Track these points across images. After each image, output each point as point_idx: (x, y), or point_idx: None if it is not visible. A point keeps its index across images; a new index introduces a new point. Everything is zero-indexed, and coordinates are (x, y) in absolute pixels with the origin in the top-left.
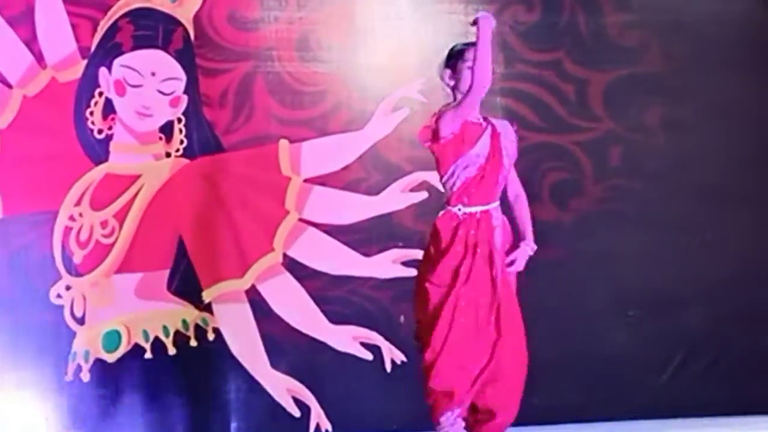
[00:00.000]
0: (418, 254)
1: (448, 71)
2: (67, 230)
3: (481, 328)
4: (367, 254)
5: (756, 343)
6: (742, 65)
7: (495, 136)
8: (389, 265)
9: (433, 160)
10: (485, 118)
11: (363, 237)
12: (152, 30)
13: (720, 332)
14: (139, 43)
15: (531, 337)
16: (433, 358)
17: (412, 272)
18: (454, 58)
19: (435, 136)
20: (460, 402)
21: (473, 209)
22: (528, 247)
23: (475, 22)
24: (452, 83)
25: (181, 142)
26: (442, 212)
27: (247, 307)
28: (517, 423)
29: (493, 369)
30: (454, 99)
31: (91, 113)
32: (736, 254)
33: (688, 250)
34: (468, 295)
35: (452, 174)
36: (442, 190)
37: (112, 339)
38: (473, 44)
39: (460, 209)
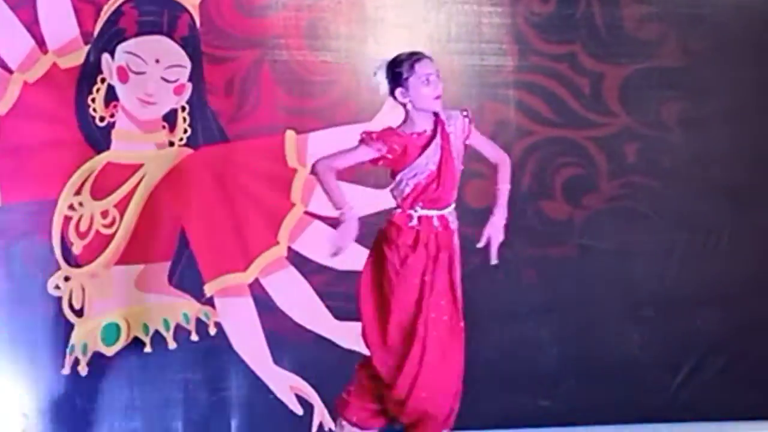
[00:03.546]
0: None
1: (401, 89)
2: (67, 220)
3: (453, 333)
4: None
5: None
6: (762, 61)
7: (445, 138)
8: None
9: None
10: (436, 119)
11: (370, 231)
12: (157, 16)
13: (735, 335)
14: (144, 29)
15: (540, 336)
16: (409, 385)
17: None
18: (405, 73)
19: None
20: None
21: (429, 212)
22: (496, 218)
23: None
24: (406, 100)
25: (185, 131)
26: (395, 213)
27: (250, 301)
28: (526, 425)
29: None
30: (406, 116)
31: (93, 100)
32: (752, 256)
33: (704, 250)
34: (436, 304)
35: (399, 182)
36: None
37: (111, 332)
38: (418, 55)
39: (416, 211)
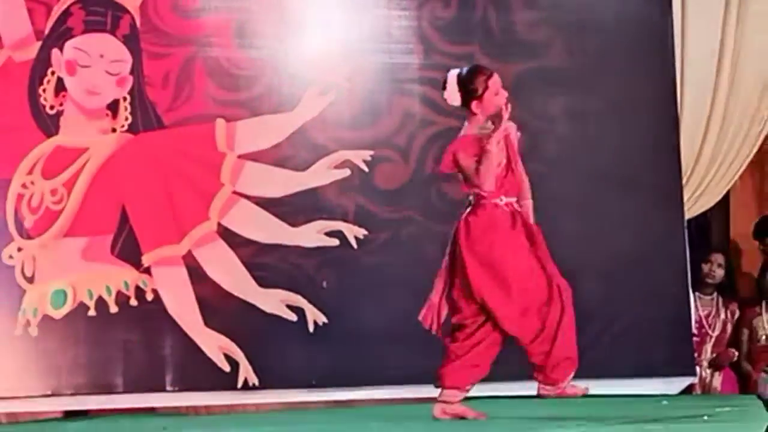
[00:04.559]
0: (339, 225)
1: (476, 102)
2: (20, 197)
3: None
4: (294, 225)
5: (643, 313)
6: (638, 62)
7: (507, 138)
8: (314, 235)
9: (354, 140)
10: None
11: (290, 209)
12: (101, 16)
13: (609, 304)
14: (90, 28)
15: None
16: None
17: (335, 242)
18: (480, 89)
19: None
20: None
21: (510, 199)
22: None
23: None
24: (478, 111)
25: (126, 118)
26: (479, 205)
27: (183, 270)
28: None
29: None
30: (474, 122)
31: (44, 90)
32: (629, 234)
33: (581, 229)
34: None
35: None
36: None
37: (59, 297)
38: (488, 71)
39: (501, 200)
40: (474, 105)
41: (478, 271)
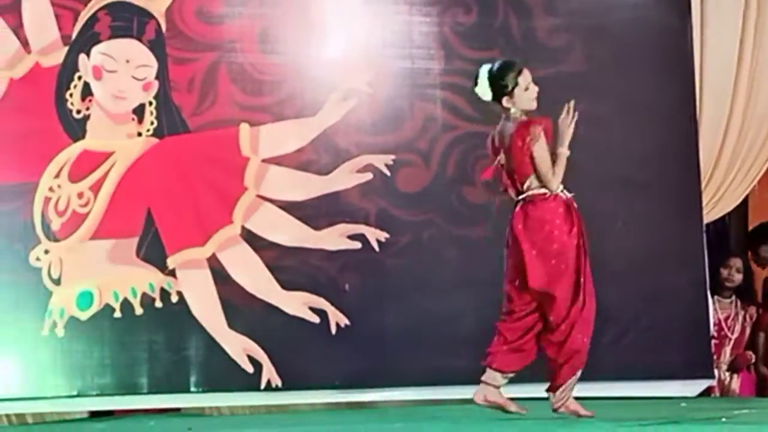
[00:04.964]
0: (361, 229)
1: (507, 97)
2: (47, 200)
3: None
4: (317, 228)
5: (662, 316)
6: (657, 67)
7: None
8: (337, 238)
9: (376, 144)
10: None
11: (313, 212)
12: (128, 21)
13: (628, 307)
14: (116, 33)
15: (461, 306)
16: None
17: (357, 245)
18: (511, 84)
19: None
20: None
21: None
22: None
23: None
24: (510, 105)
25: (152, 123)
26: (539, 197)
27: (208, 273)
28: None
29: None
30: (508, 117)
31: (71, 95)
32: (648, 238)
33: (600, 233)
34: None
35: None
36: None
37: (85, 299)
38: (518, 66)
39: (560, 189)
40: (505, 101)
41: (535, 260)
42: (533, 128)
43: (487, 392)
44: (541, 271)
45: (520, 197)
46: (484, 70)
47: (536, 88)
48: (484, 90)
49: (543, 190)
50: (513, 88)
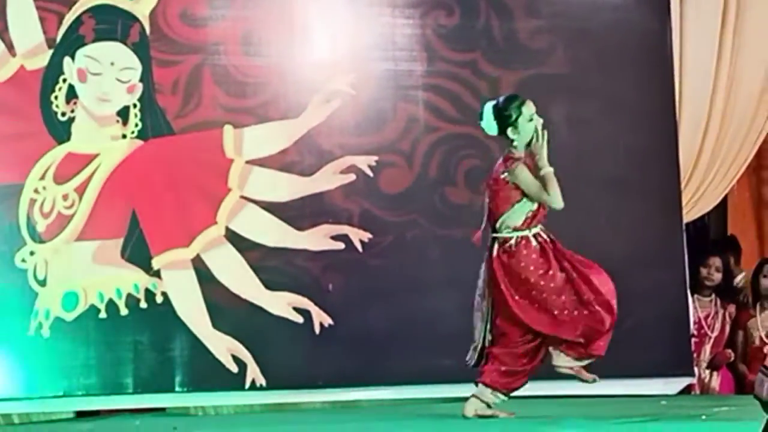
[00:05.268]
0: (345, 229)
1: (511, 128)
2: (32, 202)
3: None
4: (300, 229)
5: (643, 315)
6: (637, 68)
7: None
8: (320, 238)
9: (359, 146)
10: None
11: (297, 213)
12: (112, 24)
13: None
14: (100, 36)
15: (444, 306)
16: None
17: (340, 246)
18: (515, 115)
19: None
20: None
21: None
22: None
23: None
24: (515, 136)
25: (136, 125)
26: (514, 243)
27: (192, 273)
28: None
29: None
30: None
31: (56, 98)
32: (628, 237)
33: (581, 232)
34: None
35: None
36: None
37: (70, 300)
38: (521, 99)
39: (531, 230)
40: (510, 131)
41: (521, 304)
42: (514, 159)
43: (477, 407)
44: (533, 314)
45: (494, 235)
46: (489, 105)
47: (540, 120)
48: (489, 123)
49: (514, 234)
50: (517, 118)
